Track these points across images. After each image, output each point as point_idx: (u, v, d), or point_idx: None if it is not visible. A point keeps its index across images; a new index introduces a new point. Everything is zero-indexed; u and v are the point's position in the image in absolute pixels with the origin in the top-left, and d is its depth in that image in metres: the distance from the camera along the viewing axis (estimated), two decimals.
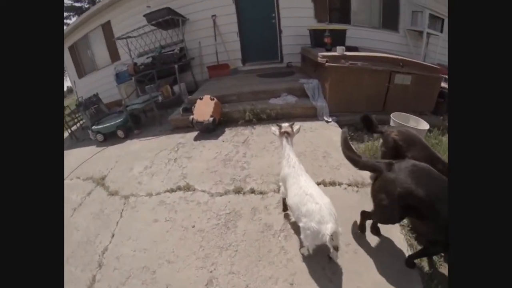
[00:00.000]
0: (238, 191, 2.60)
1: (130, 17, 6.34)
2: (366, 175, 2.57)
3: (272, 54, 5.91)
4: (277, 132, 2.05)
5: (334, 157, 3.03)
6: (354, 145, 3.35)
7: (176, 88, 5.75)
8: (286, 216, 2.21)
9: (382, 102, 4.15)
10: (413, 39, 6.27)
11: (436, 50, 6.41)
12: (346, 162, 2.54)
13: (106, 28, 6.91)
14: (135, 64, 5.98)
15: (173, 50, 5.76)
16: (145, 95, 5.19)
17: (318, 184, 2.55)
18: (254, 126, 3.85)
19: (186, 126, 4.21)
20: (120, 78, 6.30)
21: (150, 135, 4.45)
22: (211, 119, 3.82)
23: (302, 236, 1.66)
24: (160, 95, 5.24)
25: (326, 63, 3.79)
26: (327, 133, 3.57)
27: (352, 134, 3.68)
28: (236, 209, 2.40)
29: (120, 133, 4.72)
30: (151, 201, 2.77)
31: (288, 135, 2.00)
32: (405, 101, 3.98)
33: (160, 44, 6.28)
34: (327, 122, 3.90)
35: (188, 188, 2.78)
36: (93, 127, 4.87)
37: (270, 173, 2.79)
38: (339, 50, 3.91)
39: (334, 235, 1.47)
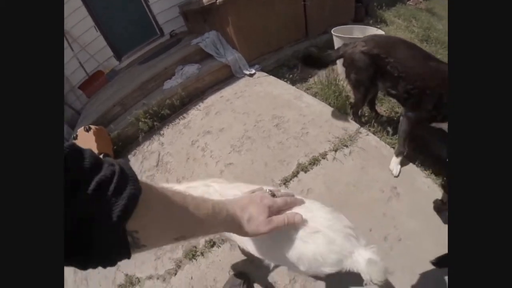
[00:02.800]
0: (192, 255, 1.50)
1: None
2: (346, 123, 1.94)
3: (148, 31, 4.48)
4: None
5: (290, 118, 2.10)
6: (300, 89, 2.45)
7: None
8: None
9: (303, 27, 3.38)
10: None
11: None
12: (310, 118, 2.03)
13: None
14: None
15: None
16: None
17: (297, 173, 1.71)
18: (161, 132, 2.59)
19: None
20: None
21: None
22: None
23: None
24: None
25: (217, 1, 2.62)
26: (262, 90, 2.55)
27: (290, 76, 2.71)
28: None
29: None
30: None
31: None
32: (325, 16, 3.35)
33: None
34: (251, 75, 2.85)
35: (131, 283, 1.57)
36: None
37: None
38: None
39: None
